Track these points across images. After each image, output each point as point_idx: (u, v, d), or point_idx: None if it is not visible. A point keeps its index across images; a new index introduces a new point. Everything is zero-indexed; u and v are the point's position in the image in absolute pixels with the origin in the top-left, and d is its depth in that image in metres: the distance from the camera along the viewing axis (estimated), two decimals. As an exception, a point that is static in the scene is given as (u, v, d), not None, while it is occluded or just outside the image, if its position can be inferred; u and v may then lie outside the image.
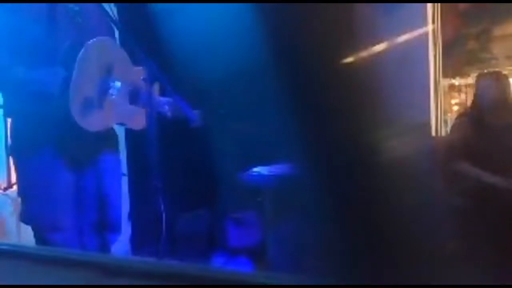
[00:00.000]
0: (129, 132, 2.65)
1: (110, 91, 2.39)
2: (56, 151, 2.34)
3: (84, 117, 2.28)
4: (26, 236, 2.87)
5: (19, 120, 2.41)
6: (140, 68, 2.43)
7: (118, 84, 2.42)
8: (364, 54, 2.02)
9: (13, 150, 2.45)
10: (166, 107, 2.52)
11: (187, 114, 2.45)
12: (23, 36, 2.29)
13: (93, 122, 2.32)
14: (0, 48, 2.35)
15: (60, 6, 2.38)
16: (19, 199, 2.53)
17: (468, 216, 3.07)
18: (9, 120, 2.52)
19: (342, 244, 1.65)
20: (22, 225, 2.82)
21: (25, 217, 2.43)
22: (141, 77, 2.37)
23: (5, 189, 3.60)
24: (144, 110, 2.39)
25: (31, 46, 2.29)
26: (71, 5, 2.41)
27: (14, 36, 2.30)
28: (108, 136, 2.49)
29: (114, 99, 2.41)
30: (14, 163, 2.48)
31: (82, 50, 2.26)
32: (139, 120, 2.47)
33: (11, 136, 2.48)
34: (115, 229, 2.56)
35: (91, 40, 2.29)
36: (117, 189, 2.60)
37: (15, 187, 3.48)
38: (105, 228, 2.50)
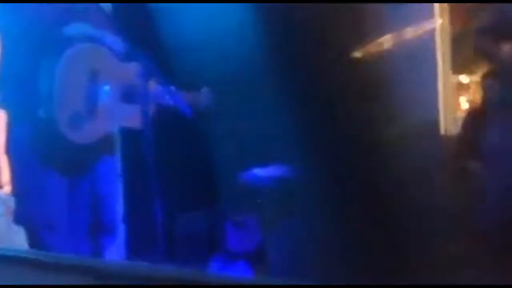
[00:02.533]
0: (124, 132, 2.62)
1: (100, 97, 2.36)
2: (53, 153, 2.33)
3: (75, 130, 2.28)
4: (17, 238, 2.85)
5: (17, 118, 2.41)
6: (134, 64, 2.38)
7: (106, 88, 2.38)
8: (370, 51, 1.96)
9: (10, 150, 2.45)
10: (167, 97, 2.48)
11: (183, 108, 2.42)
12: (32, 36, 2.30)
13: (86, 135, 2.33)
14: (8, 46, 2.37)
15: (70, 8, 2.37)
16: (10, 200, 2.53)
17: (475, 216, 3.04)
18: (4, 116, 2.51)
19: (341, 245, 1.61)
20: (14, 227, 2.80)
21: (19, 217, 2.44)
22: (135, 74, 2.33)
23: (-3, 190, 3.57)
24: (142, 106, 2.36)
25: (39, 46, 2.30)
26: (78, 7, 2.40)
27: (24, 35, 2.32)
28: (106, 139, 2.47)
29: (106, 104, 2.38)
30: (10, 163, 2.48)
31: (61, 64, 2.24)
32: (138, 118, 2.43)
33: (8, 135, 2.47)
34: (111, 232, 2.54)
35: (67, 51, 2.27)
36: (114, 191, 2.59)
37: (5, 188, 3.47)
38: (101, 231, 2.49)
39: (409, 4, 2.20)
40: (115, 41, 2.41)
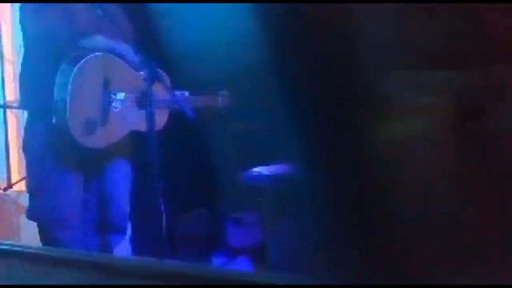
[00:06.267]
0: (131, 135, 2.67)
1: (113, 104, 2.41)
2: (66, 155, 2.40)
3: (88, 137, 2.33)
4: (27, 235, 2.89)
5: (33, 119, 2.49)
6: (144, 71, 2.45)
7: (121, 95, 2.44)
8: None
9: (25, 147, 2.51)
10: (173, 101, 2.52)
11: (187, 111, 2.46)
12: (49, 36, 2.38)
13: (98, 140, 2.37)
14: (28, 48, 2.49)
15: (86, 9, 2.44)
16: (23, 198, 2.56)
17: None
18: (21, 114, 2.59)
19: (341, 244, 1.65)
20: (23, 224, 2.83)
21: (32, 213, 2.47)
22: (145, 81, 2.39)
23: (5, 189, 3.62)
24: (158, 111, 2.41)
25: (56, 46, 2.37)
26: (95, 8, 2.46)
27: (41, 36, 2.40)
28: (118, 144, 2.51)
29: (120, 111, 2.43)
30: (26, 160, 2.54)
31: (74, 72, 2.30)
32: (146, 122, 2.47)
33: (25, 133, 2.55)
34: (120, 230, 2.59)
35: (81, 61, 2.32)
36: (124, 192, 2.63)
37: (15, 187, 3.51)
38: (111, 229, 2.55)
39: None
40: (127, 50, 2.47)
